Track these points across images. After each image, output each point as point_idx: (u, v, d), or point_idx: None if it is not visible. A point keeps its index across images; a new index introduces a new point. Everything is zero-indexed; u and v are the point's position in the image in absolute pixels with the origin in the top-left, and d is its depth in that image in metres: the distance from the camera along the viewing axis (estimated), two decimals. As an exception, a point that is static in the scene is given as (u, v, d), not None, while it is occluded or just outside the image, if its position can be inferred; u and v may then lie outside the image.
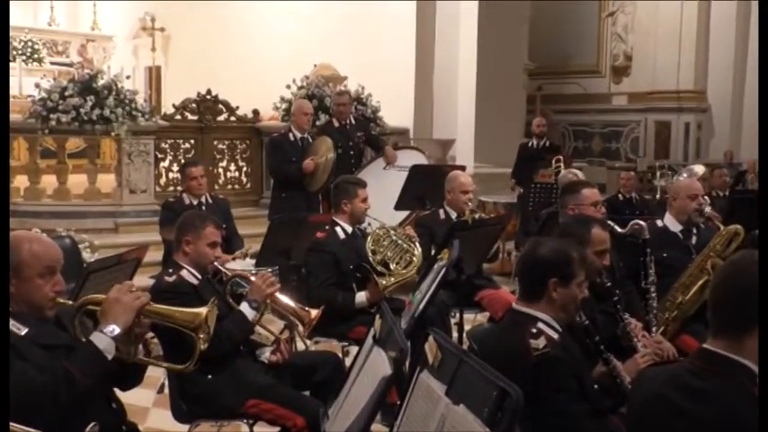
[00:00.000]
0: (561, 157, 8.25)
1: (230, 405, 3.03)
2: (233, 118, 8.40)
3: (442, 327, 3.83)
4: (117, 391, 2.49)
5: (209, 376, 3.01)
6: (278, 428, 3.05)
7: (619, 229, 3.52)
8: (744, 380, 1.64)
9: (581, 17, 14.15)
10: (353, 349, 3.72)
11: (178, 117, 7.99)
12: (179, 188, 6.06)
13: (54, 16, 14.24)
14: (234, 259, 4.39)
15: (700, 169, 8.47)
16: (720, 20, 12.85)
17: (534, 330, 2.34)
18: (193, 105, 8.05)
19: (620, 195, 7.54)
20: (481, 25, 9.69)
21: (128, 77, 8.20)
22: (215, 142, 8.25)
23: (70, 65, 11.87)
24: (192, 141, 8.02)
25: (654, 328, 3.39)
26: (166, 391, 3.20)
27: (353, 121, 6.92)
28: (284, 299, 3.19)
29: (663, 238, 3.94)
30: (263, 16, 11.23)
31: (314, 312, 3.15)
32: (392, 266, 4.11)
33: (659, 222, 4.12)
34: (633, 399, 1.97)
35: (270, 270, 3.82)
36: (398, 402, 1.88)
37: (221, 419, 3.19)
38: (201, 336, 2.27)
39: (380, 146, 7.00)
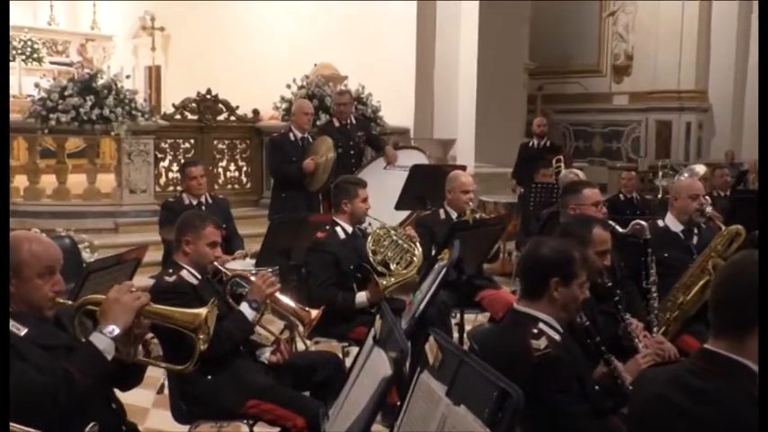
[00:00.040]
0: (562, 157, 8.24)
1: (230, 405, 3.02)
2: (233, 118, 8.40)
3: (442, 327, 3.82)
4: (117, 391, 2.49)
5: (209, 377, 3.00)
6: (278, 429, 3.04)
7: (620, 230, 3.52)
8: (745, 380, 1.64)
9: (582, 17, 14.15)
10: (354, 350, 3.71)
11: (178, 117, 7.98)
12: (179, 188, 6.06)
13: (54, 16, 14.24)
14: (234, 259, 4.39)
15: (701, 169, 8.47)
16: (722, 19, 12.85)
17: (535, 331, 2.34)
18: (193, 105, 8.05)
19: (621, 195, 7.54)
20: (482, 25, 9.68)
21: (127, 77, 8.19)
22: (215, 142, 8.25)
23: (70, 64, 11.86)
24: (192, 141, 8.02)
25: (655, 329, 3.38)
26: (166, 391, 3.20)
27: (354, 121, 6.91)
28: (284, 299, 3.19)
29: (664, 239, 3.94)
30: (263, 16, 11.23)
31: (314, 312, 3.15)
32: (392, 266, 4.11)
33: (660, 222, 4.11)
34: (634, 399, 1.97)
35: (270, 270, 3.82)
36: (399, 403, 1.87)
37: (221, 420, 3.19)
38: (201, 336, 2.27)
39: (381, 145, 7.00)
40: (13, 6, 8.74)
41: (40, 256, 2.23)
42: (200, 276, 3.14)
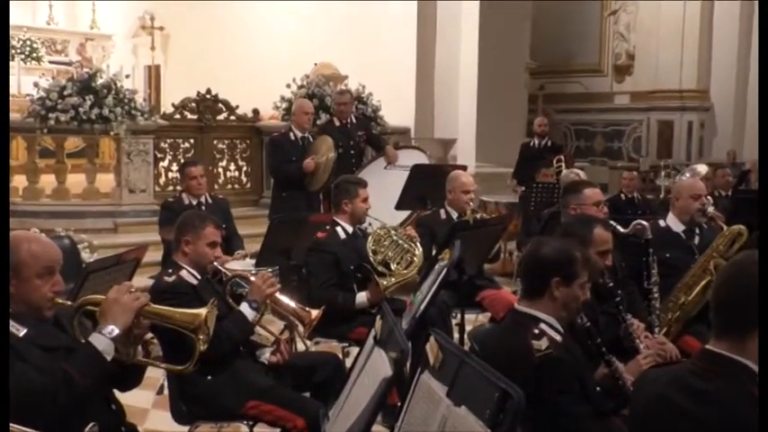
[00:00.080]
0: (563, 157, 8.22)
1: (230, 406, 3.02)
2: (233, 117, 8.39)
3: (443, 327, 3.82)
4: (116, 392, 2.48)
5: (209, 377, 3.00)
6: (278, 430, 3.04)
7: (621, 230, 3.51)
8: (746, 381, 1.64)
9: (583, 16, 14.15)
10: (354, 350, 3.70)
11: (177, 116, 7.97)
12: (178, 188, 6.04)
13: (53, 15, 14.24)
14: (234, 259, 4.38)
15: (702, 169, 8.46)
16: (723, 18, 12.85)
17: (536, 331, 2.33)
18: (193, 104, 8.04)
19: (622, 195, 7.53)
20: (483, 24, 9.68)
21: (127, 76, 8.17)
22: (215, 142, 8.24)
23: (69, 64, 11.86)
24: (192, 141, 8.01)
25: (656, 329, 3.37)
26: (166, 392, 3.19)
27: (354, 121, 6.90)
28: (284, 299, 3.18)
29: (665, 239, 3.93)
30: (263, 16, 11.22)
31: (314, 313, 3.14)
32: (393, 267, 4.10)
33: (662, 222, 4.11)
34: (636, 400, 1.96)
35: (270, 270, 3.81)
36: (399, 404, 1.87)
37: (221, 421, 3.18)
38: (201, 336, 2.26)
39: (381, 145, 6.99)
40: (12, 6, 8.71)
41: (39, 256, 2.22)
42: (199, 276, 3.14)
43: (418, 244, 4.21)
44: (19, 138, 7.74)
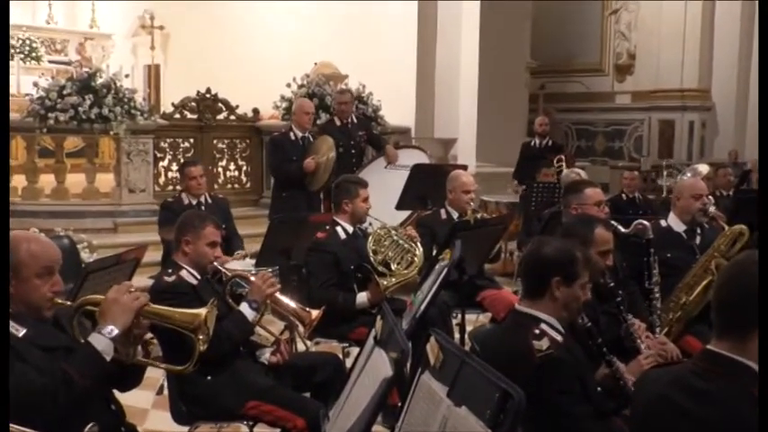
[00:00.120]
0: (564, 157, 8.22)
1: (230, 406, 3.01)
2: (233, 117, 8.39)
3: (443, 327, 3.81)
4: (116, 392, 2.48)
5: (209, 377, 3.00)
6: (278, 430, 3.03)
7: (622, 229, 3.51)
8: (748, 381, 1.63)
9: (584, 15, 14.14)
10: (354, 350, 3.70)
11: (177, 116, 7.96)
12: (178, 188, 6.04)
13: (52, 14, 14.23)
14: (234, 259, 4.37)
15: (704, 168, 8.46)
16: (725, 18, 12.85)
17: (537, 331, 2.33)
18: (193, 104, 8.03)
19: (623, 195, 7.53)
20: (483, 24, 9.68)
21: (126, 76, 8.16)
22: (214, 141, 8.24)
23: (68, 63, 11.85)
24: (192, 140, 8.00)
25: (657, 329, 3.37)
26: (166, 392, 3.19)
27: (355, 120, 6.90)
28: (284, 299, 3.18)
29: (666, 238, 3.93)
30: (263, 16, 11.22)
31: (314, 313, 3.14)
32: (393, 267, 4.10)
33: (663, 222, 4.10)
34: (637, 400, 1.96)
35: (270, 270, 3.81)
36: (399, 404, 1.86)
37: (221, 421, 3.18)
38: (201, 337, 2.26)
39: (382, 145, 6.99)
40: (11, 5, 8.72)
41: (38, 256, 2.22)
42: (199, 276, 3.13)
43: (419, 244, 4.20)
44: (18, 137, 7.74)
